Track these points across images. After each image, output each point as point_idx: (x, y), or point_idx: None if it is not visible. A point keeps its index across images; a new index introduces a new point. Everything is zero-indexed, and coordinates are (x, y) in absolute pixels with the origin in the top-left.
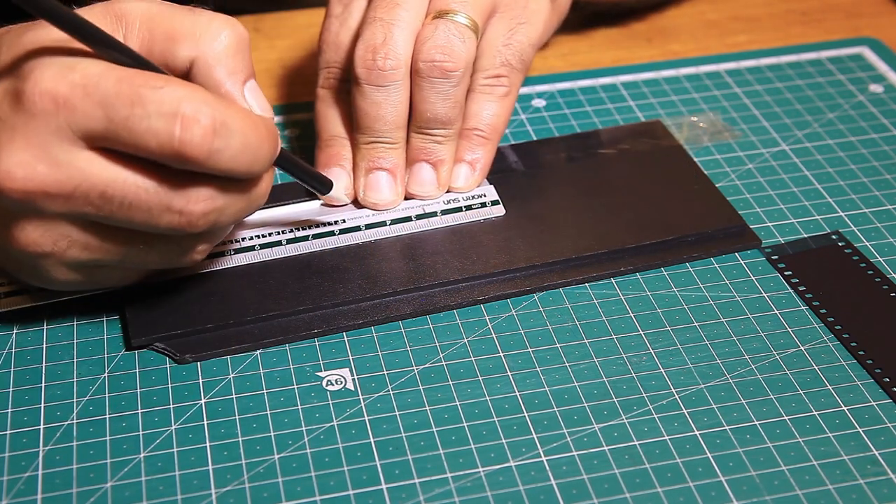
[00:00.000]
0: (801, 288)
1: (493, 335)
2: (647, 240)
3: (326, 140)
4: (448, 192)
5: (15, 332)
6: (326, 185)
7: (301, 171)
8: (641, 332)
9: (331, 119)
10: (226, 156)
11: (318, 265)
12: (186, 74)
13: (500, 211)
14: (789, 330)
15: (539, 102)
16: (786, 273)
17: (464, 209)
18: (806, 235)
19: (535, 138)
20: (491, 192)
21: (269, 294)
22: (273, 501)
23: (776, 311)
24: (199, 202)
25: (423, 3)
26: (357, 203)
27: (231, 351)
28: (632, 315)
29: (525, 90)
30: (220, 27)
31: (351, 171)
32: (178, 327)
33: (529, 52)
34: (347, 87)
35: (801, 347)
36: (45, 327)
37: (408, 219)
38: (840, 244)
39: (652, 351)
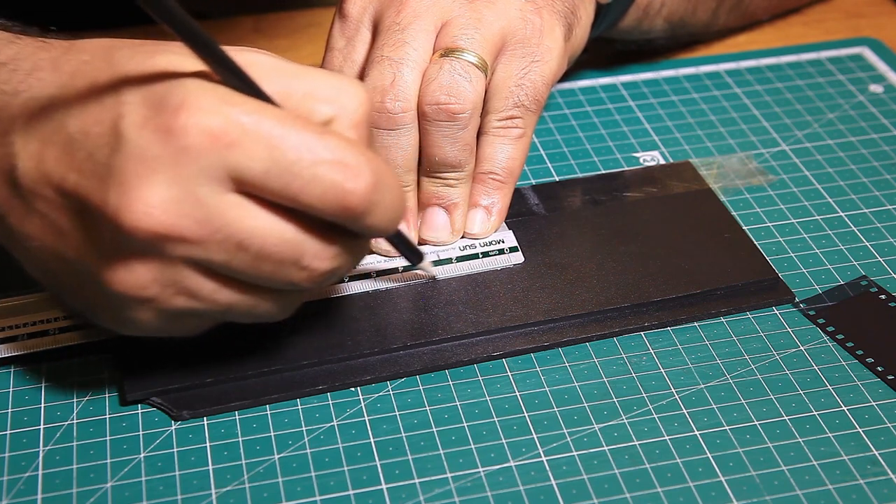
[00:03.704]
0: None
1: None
2: (675, 293)
3: None
4: (463, 237)
5: None
6: (418, 256)
7: (404, 237)
8: (642, 335)
9: None
10: (378, 210)
11: (324, 314)
12: None
13: (518, 258)
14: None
15: None
16: (820, 321)
17: (480, 256)
18: (805, 235)
19: (535, 139)
20: (509, 238)
21: (272, 346)
22: (273, 501)
23: (799, 344)
24: (326, 260)
25: (431, 40)
26: None
27: (230, 407)
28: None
29: None
30: (358, 91)
31: None
32: (175, 381)
33: (544, 92)
34: None
35: (801, 347)
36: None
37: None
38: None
39: (652, 351)
